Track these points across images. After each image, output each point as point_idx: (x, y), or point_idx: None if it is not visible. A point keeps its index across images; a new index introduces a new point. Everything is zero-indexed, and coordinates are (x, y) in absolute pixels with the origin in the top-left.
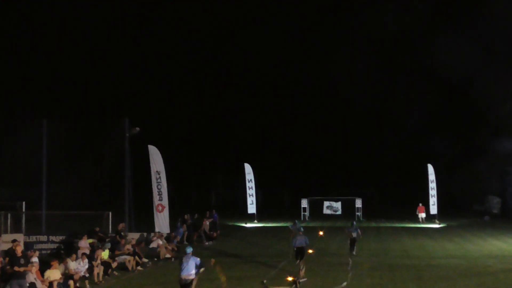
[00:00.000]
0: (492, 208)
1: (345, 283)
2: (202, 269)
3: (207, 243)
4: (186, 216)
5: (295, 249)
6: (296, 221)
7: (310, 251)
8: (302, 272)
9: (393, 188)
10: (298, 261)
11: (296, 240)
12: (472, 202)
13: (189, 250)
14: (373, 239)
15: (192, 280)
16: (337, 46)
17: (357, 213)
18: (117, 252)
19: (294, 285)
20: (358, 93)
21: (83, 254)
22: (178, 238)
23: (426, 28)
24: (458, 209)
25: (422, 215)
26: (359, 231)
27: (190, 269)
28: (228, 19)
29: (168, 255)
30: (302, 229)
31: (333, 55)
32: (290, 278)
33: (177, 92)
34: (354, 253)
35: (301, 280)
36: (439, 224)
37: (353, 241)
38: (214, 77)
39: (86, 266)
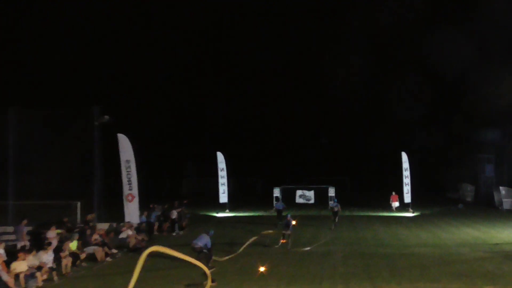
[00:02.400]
0: (466, 196)
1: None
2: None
3: (180, 232)
4: (156, 207)
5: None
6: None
7: (294, 222)
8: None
9: (367, 176)
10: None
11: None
12: (446, 190)
13: (211, 232)
14: (346, 228)
15: (199, 247)
16: (313, 35)
17: (330, 202)
18: (82, 243)
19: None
20: (331, 82)
21: (48, 243)
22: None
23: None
24: (432, 197)
25: (395, 204)
26: (339, 206)
27: (199, 241)
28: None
29: (138, 246)
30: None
31: (309, 43)
32: (262, 269)
33: (147, 80)
34: (334, 225)
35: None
36: (413, 212)
37: (335, 213)
38: (185, 63)
39: (52, 257)
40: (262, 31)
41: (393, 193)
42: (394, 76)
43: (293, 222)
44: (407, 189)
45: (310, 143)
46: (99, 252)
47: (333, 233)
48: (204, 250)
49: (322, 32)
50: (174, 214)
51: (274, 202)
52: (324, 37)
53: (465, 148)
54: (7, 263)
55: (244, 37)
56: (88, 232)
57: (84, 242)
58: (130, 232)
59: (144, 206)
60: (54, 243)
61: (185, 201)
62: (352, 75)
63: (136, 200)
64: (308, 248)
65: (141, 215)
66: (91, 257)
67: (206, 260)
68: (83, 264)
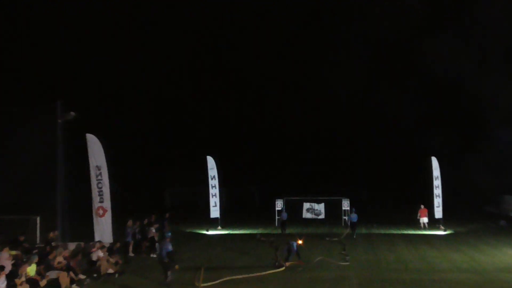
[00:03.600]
0: (509, 211)
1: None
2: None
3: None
4: (129, 222)
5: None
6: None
7: (300, 242)
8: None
9: (388, 186)
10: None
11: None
12: (484, 203)
13: (168, 235)
14: (363, 249)
15: (165, 258)
16: (318, 42)
17: (344, 217)
18: (42, 267)
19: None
20: (341, 85)
21: (0, 268)
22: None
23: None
24: (468, 212)
25: (424, 219)
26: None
27: (163, 251)
28: None
29: (110, 270)
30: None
31: (314, 49)
32: None
33: (122, 70)
34: (354, 236)
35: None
36: (445, 230)
37: (353, 225)
38: (166, 52)
39: (4, 284)
40: (262, 32)
41: (422, 206)
42: (415, 76)
43: (299, 242)
44: (437, 201)
45: (317, 147)
46: (64, 278)
47: (347, 253)
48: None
49: (330, 35)
50: (152, 232)
51: (277, 217)
52: (332, 39)
53: (506, 153)
54: None
55: (243, 35)
56: (50, 254)
57: (45, 266)
58: (101, 253)
59: (118, 221)
60: (8, 267)
61: (167, 215)
62: (366, 75)
63: (109, 214)
64: (320, 258)
65: (126, 229)
66: (54, 284)
67: (168, 268)
68: None
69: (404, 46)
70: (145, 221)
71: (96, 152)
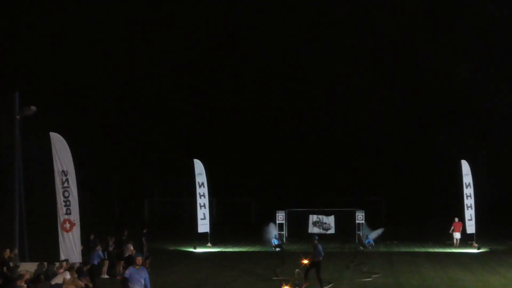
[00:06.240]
0: None
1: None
2: None
3: None
4: (96, 240)
5: None
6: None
7: (306, 261)
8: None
9: (411, 196)
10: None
11: None
12: None
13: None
14: (381, 270)
15: None
16: (325, 48)
17: (358, 232)
18: None
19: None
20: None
21: None
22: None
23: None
24: (506, 226)
25: (457, 235)
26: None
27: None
28: None
29: None
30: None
31: (320, 50)
32: None
33: (94, 63)
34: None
35: None
36: (478, 248)
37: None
38: (145, 45)
39: None
40: (261, 31)
41: (456, 219)
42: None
43: (304, 262)
44: (469, 214)
45: (325, 150)
46: None
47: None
48: None
49: (341, 37)
50: (130, 249)
51: (274, 234)
52: (335, 41)
53: None
54: None
55: (242, 32)
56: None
57: None
58: (67, 275)
59: (86, 238)
60: None
61: (144, 230)
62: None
63: (77, 229)
64: (331, 285)
65: (93, 249)
66: None
67: None
68: None
69: (410, 49)
70: (124, 237)
71: (62, 154)
